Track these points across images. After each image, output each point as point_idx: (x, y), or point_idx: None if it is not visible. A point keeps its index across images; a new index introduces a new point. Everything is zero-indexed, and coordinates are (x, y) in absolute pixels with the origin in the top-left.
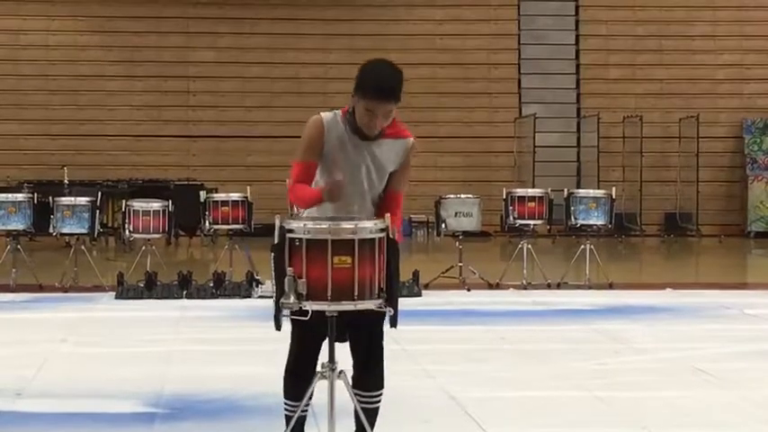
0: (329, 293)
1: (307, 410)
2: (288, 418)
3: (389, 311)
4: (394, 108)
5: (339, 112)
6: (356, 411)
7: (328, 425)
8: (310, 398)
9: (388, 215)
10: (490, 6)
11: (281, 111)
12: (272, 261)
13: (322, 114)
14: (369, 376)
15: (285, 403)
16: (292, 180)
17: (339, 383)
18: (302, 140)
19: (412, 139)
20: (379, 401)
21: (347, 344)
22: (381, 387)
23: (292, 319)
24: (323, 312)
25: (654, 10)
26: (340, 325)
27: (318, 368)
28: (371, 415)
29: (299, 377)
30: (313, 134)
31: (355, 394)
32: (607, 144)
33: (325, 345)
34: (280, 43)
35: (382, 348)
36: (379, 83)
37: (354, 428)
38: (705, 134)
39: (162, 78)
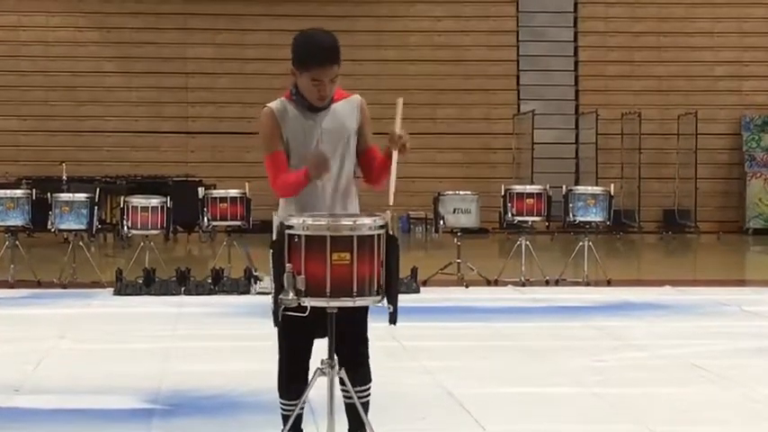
0: (328, 290)
1: (303, 407)
2: (285, 418)
3: (389, 308)
4: (338, 71)
5: (282, 97)
6: (347, 407)
7: (328, 422)
8: (303, 395)
9: (388, 212)
10: (489, 3)
11: None
12: (271, 257)
13: (269, 104)
14: (357, 372)
15: (281, 403)
16: (270, 176)
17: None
18: (260, 136)
19: (359, 96)
20: (369, 395)
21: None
22: (369, 381)
23: (284, 319)
24: (314, 310)
25: (652, 7)
26: (323, 321)
27: (318, 365)
28: (362, 409)
29: (292, 377)
30: (267, 124)
31: (345, 390)
32: (605, 141)
33: (322, 342)
34: (278, 39)
35: (368, 343)
36: (320, 48)
37: (348, 426)
38: (703, 131)
39: (160, 75)
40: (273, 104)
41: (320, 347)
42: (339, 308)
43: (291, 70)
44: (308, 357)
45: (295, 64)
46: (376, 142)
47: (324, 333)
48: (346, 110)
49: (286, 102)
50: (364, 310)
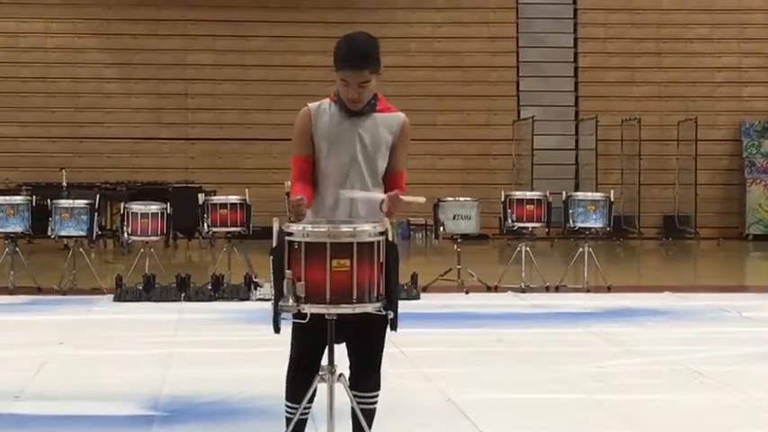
0: (328, 296)
1: (307, 413)
2: (288, 421)
3: (389, 315)
4: (371, 78)
5: (327, 99)
6: (353, 412)
7: (327, 427)
8: (311, 400)
9: (386, 219)
10: (489, 9)
11: (280, 113)
12: (271, 264)
13: (309, 105)
14: (367, 377)
15: (286, 405)
16: (291, 177)
17: (338, 386)
18: (293, 133)
19: (404, 115)
20: (376, 402)
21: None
22: (378, 388)
23: (293, 322)
24: (323, 315)
25: (652, 13)
26: (341, 326)
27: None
28: (368, 416)
29: (300, 380)
30: (298, 124)
31: (353, 395)
32: (605, 147)
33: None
34: (278, 46)
35: (382, 350)
36: (352, 51)
37: (351, 430)
38: (703, 137)
39: (160, 81)
40: (313, 105)
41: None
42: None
43: (333, 69)
44: (319, 361)
45: (333, 62)
46: (405, 167)
47: (340, 339)
48: (387, 122)
49: (328, 102)
50: (385, 318)
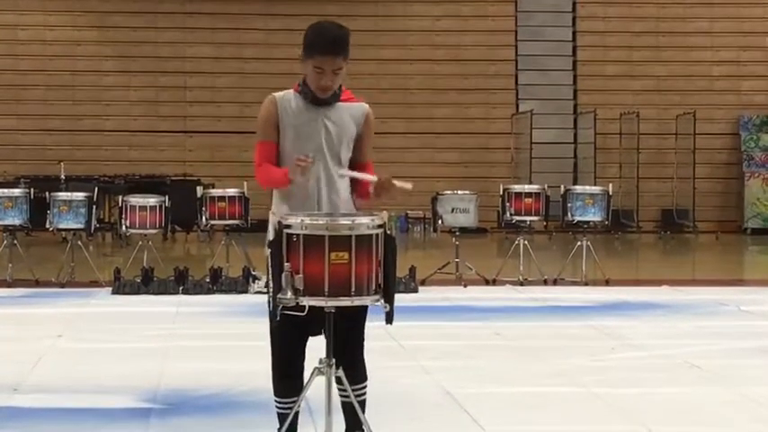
0: (326, 289)
1: (299, 406)
2: (281, 416)
3: (385, 308)
4: (343, 66)
5: (291, 89)
6: (344, 406)
7: (325, 420)
8: (300, 393)
9: (385, 212)
10: (487, 2)
11: None
12: (270, 257)
13: (274, 93)
14: (353, 370)
15: (276, 401)
16: (256, 161)
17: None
18: (258, 121)
19: (367, 105)
20: (365, 393)
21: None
22: (365, 379)
23: (275, 319)
24: (309, 309)
25: (651, 6)
26: (319, 320)
27: (316, 363)
28: (360, 407)
29: (287, 375)
30: (265, 111)
31: (342, 389)
32: (604, 140)
33: (320, 341)
34: (276, 39)
35: (363, 341)
36: (326, 37)
37: (345, 425)
38: (702, 131)
39: (159, 74)
40: (279, 94)
41: (313, 346)
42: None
43: (300, 56)
44: (303, 354)
45: (303, 50)
46: (371, 157)
47: (318, 330)
48: (352, 112)
49: (293, 93)
50: (364, 309)
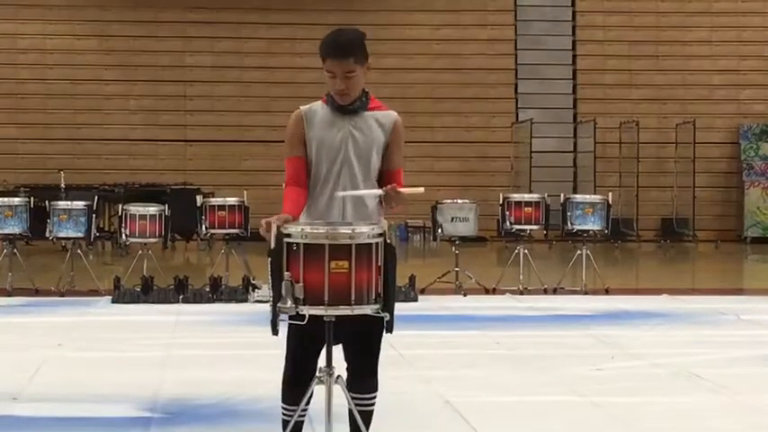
0: (326, 298)
1: (304, 415)
2: (285, 423)
3: (385, 317)
4: (356, 68)
5: (318, 101)
6: (350, 414)
7: (325, 429)
8: (308, 402)
9: (385, 221)
10: (487, 11)
11: (278, 115)
12: (270, 266)
13: (301, 107)
14: (364, 379)
15: (283, 408)
16: (285, 180)
17: (335, 388)
18: (285, 136)
19: (396, 114)
20: (374, 404)
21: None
22: (376, 390)
23: (289, 324)
24: (320, 317)
25: (650, 15)
26: (338, 328)
27: (317, 373)
28: (366, 417)
29: (297, 382)
30: (291, 127)
31: (351, 397)
32: (603, 149)
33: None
34: (276, 48)
35: (379, 352)
36: (335, 41)
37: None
38: (701, 140)
39: (159, 83)
40: (305, 107)
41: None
42: (348, 316)
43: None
44: (315, 363)
45: (321, 58)
46: (401, 165)
47: (337, 340)
48: (380, 121)
49: (320, 104)
50: (381, 320)
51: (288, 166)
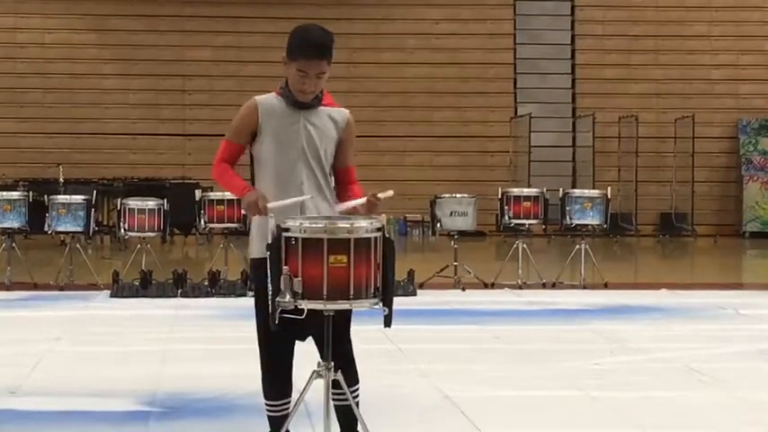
0: (325, 292)
1: (288, 408)
2: (271, 419)
3: (384, 311)
4: (326, 70)
5: (273, 92)
6: (338, 409)
7: (324, 424)
8: (290, 396)
9: (383, 215)
10: (486, 6)
11: None
12: (268, 260)
13: (257, 97)
14: (347, 372)
15: (267, 404)
16: (217, 157)
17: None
18: (234, 120)
19: (348, 111)
20: (358, 395)
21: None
22: (357, 381)
23: (266, 320)
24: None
25: (649, 10)
26: (304, 325)
27: (314, 367)
28: (350, 410)
29: (278, 377)
30: (244, 115)
31: (335, 393)
32: (602, 144)
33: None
34: (275, 42)
35: (351, 344)
36: (310, 41)
37: (340, 429)
38: (700, 134)
39: (158, 77)
40: (261, 98)
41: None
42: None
43: (283, 59)
44: (292, 357)
45: (286, 53)
46: (353, 162)
47: (305, 335)
48: (333, 117)
49: (275, 96)
50: (348, 311)
51: (226, 147)
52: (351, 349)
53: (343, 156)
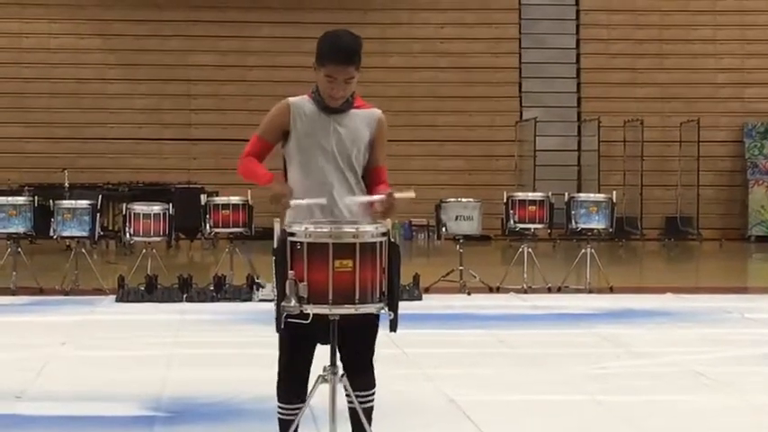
0: (330, 297)
1: (299, 413)
2: (282, 423)
3: (390, 315)
4: (355, 75)
5: (305, 95)
6: (351, 413)
7: (329, 428)
8: (305, 401)
9: (388, 220)
10: (491, 10)
11: None
12: (274, 264)
13: (291, 98)
14: (361, 377)
15: (279, 407)
16: (245, 151)
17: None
18: (266, 117)
19: (380, 111)
20: (373, 401)
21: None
22: (374, 386)
23: (285, 323)
24: (317, 316)
25: (654, 14)
26: (327, 327)
27: (320, 371)
28: (367, 415)
29: (293, 381)
30: (276, 114)
31: (349, 396)
32: (608, 148)
33: (323, 348)
34: (281, 46)
35: (374, 348)
36: (338, 47)
37: (351, 430)
38: (706, 138)
39: (163, 82)
40: (294, 99)
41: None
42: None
43: (313, 65)
44: (310, 362)
45: (315, 59)
46: (385, 163)
47: (327, 339)
48: (365, 118)
49: (307, 99)
50: (376, 317)
51: (255, 143)
52: (373, 355)
53: (374, 155)
